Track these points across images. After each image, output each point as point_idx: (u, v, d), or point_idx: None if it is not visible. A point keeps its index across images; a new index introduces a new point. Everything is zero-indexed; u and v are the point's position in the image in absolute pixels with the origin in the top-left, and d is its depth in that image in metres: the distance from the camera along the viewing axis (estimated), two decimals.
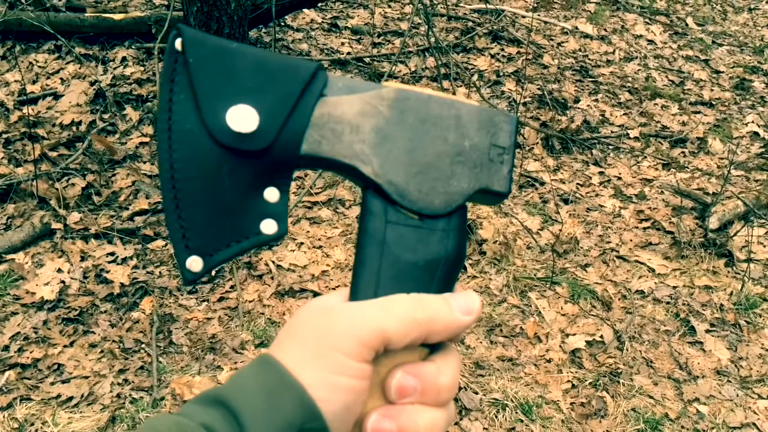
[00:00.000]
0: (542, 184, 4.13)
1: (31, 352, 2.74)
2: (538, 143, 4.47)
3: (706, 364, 2.98)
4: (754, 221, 3.74)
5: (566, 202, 4.03)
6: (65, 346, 2.81)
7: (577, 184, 4.22)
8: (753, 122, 4.88)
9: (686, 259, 3.55)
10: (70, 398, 2.58)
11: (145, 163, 3.91)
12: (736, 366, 2.99)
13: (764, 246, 3.66)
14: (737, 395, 2.85)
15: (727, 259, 3.54)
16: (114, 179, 3.75)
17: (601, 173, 4.34)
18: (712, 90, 5.30)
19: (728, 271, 3.48)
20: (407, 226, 0.55)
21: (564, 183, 4.20)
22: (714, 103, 5.14)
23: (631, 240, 3.73)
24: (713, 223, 3.69)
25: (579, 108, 4.85)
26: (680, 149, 4.59)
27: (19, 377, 2.64)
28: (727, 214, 3.76)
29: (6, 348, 2.74)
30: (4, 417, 2.46)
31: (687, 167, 4.41)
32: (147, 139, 4.03)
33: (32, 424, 2.46)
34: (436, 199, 0.56)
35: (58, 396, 2.58)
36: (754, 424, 2.73)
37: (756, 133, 4.77)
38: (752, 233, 3.61)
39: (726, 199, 3.87)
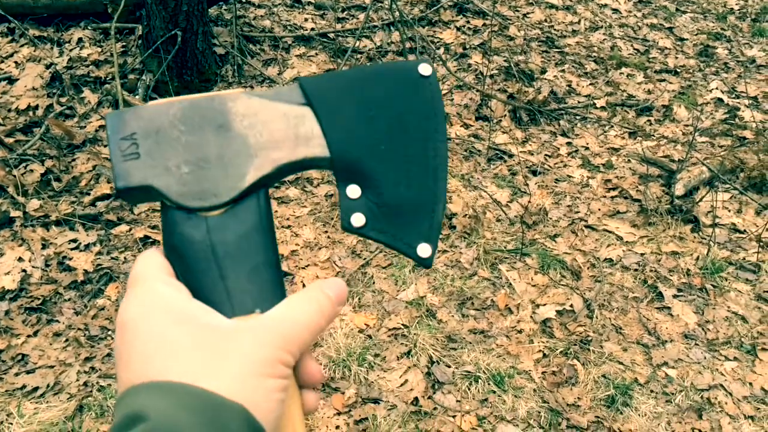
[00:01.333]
0: (510, 156, 4.12)
1: None
2: (505, 116, 4.46)
3: (674, 329, 3.01)
4: (718, 187, 3.78)
5: (534, 173, 4.03)
6: (29, 336, 2.74)
7: (546, 155, 4.22)
8: (717, 89, 4.92)
9: (653, 226, 3.58)
10: (36, 388, 2.53)
11: (105, 146, 3.82)
12: (703, 329, 3.03)
13: (729, 211, 3.70)
14: (705, 358, 2.90)
15: (693, 225, 3.58)
16: (74, 164, 3.65)
17: (568, 144, 4.35)
18: (676, 58, 5.33)
19: (694, 237, 3.51)
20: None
21: (532, 155, 4.19)
22: (678, 70, 5.16)
23: (599, 209, 3.75)
24: (679, 189, 3.72)
25: (546, 79, 4.84)
26: (646, 117, 4.61)
27: None
28: (693, 181, 3.79)
29: None
30: None
31: (653, 135, 4.43)
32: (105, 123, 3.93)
33: None
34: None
35: (23, 387, 2.53)
36: (722, 385, 2.78)
37: (720, 100, 4.81)
38: (717, 198, 3.65)
39: (691, 166, 3.90)
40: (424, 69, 0.63)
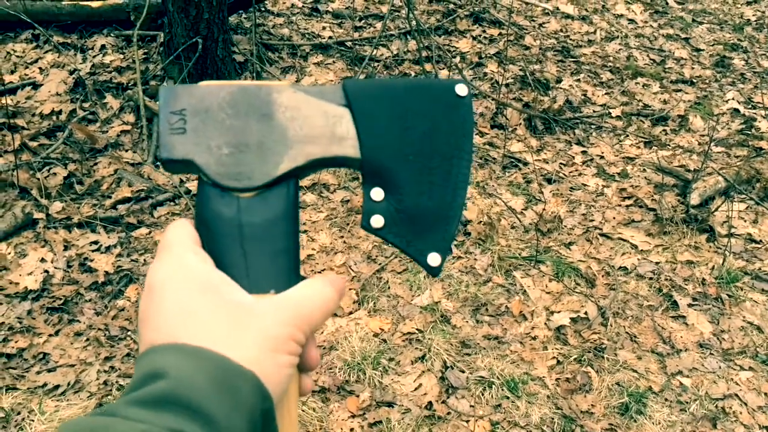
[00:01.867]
0: (525, 164, 4.14)
1: (15, 342, 2.73)
2: (521, 124, 4.48)
3: (688, 338, 3.02)
4: (734, 196, 3.78)
5: (549, 181, 4.05)
6: (50, 335, 2.80)
7: (560, 163, 4.24)
8: (733, 99, 4.92)
9: (668, 235, 3.59)
10: (57, 386, 2.58)
11: (126, 151, 3.89)
12: (718, 339, 3.03)
13: (744, 221, 3.70)
14: (719, 367, 2.89)
15: (709, 234, 3.58)
16: (96, 168, 3.72)
17: (583, 152, 4.36)
18: (692, 68, 5.33)
19: (710, 246, 3.51)
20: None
21: (547, 163, 4.21)
22: (695, 81, 5.16)
23: (614, 218, 3.76)
24: (694, 199, 3.72)
25: (561, 88, 4.86)
26: (662, 127, 4.62)
27: (5, 367, 2.63)
28: (708, 190, 3.79)
29: None
30: None
31: (668, 145, 4.43)
32: (128, 128, 4.00)
33: (18, 413, 2.45)
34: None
35: (45, 385, 2.58)
36: (737, 395, 2.78)
37: (736, 110, 4.81)
38: (732, 208, 3.65)
39: (707, 176, 3.90)
40: (461, 90, 0.67)
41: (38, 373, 2.63)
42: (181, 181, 3.74)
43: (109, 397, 2.56)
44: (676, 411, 2.69)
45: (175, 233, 0.58)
